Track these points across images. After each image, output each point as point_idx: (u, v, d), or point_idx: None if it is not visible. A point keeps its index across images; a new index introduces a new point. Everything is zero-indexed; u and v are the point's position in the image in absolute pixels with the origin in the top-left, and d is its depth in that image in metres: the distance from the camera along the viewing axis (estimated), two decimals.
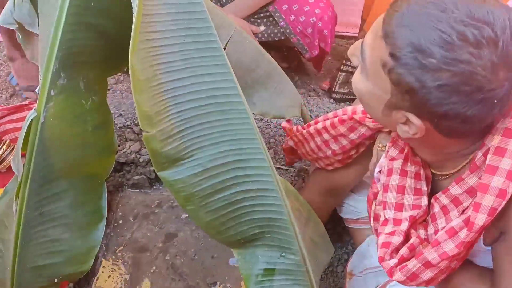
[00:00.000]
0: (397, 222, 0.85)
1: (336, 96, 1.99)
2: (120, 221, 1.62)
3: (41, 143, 0.84)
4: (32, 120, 0.81)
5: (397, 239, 0.82)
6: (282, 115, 1.43)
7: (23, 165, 0.85)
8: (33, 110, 0.81)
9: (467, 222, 0.71)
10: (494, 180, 0.68)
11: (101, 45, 0.90)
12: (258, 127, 1.76)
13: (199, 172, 0.91)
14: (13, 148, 1.40)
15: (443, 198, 0.79)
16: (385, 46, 0.65)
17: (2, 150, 1.30)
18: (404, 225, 0.83)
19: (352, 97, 1.97)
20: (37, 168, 0.86)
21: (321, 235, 1.12)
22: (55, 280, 0.95)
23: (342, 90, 1.97)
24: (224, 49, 1.20)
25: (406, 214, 0.84)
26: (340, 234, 1.47)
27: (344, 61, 1.89)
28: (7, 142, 1.38)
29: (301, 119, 1.64)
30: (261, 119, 1.81)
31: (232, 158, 0.93)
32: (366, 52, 0.71)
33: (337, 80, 1.94)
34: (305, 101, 1.95)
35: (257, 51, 1.33)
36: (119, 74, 2.00)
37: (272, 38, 1.76)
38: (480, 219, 0.69)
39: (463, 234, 0.72)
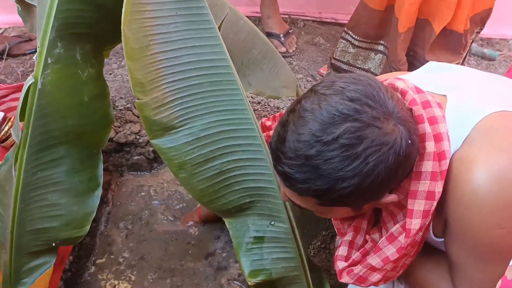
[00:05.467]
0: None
1: (334, 63, 2.01)
2: (119, 201, 1.66)
3: (39, 109, 0.87)
4: (30, 85, 0.85)
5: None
6: (277, 95, 1.46)
7: (22, 130, 0.89)
8: (30, 76, 0.85)
9: (404, 228, 0.74)
10: (420, 184, 0.71)
11: (97, 18, 0.93)
12: (255, 110, 1.80)
13: (191, 140, 0.94)
14: None
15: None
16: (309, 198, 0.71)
17: (7, 127, 1.33)
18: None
19: (348, 68, 1.99)
20: (35, 133, 0.89)
21: None
22: (53, 244, 0.99)
23: (341, 59, 1.98)
24: (219, 28, 1.23)
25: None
26: None
27: (345, 29, 1.91)
28: (12, 119, 1.41)
29: None
30: (258, 102, 1.83)
31: (223, 128, 0.96)
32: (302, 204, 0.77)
33: (337, 47, 1.96)
34: (302, 86, 1.98)
35: (253, 31, 1.35)
36: (120, 59, 2.03)
37: None
38: (415, 224, 0.72)
39: (402, 239, 0.75)
